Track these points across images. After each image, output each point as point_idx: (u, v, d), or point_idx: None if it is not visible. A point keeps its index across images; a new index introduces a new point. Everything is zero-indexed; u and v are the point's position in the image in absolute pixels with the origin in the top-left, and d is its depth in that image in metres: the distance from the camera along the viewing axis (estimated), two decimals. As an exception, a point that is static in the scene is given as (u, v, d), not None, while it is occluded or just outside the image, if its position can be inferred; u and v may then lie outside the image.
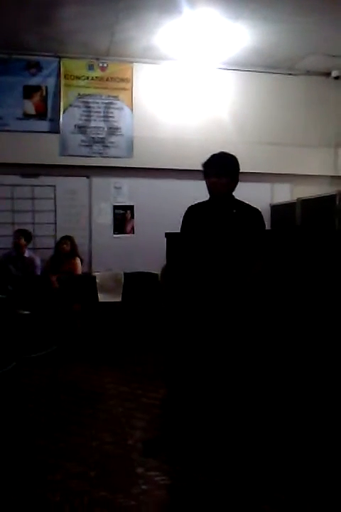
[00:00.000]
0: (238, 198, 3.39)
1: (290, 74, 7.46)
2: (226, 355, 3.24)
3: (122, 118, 7.06)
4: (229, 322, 3.21)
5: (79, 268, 6.62)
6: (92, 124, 6.98)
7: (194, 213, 3.46)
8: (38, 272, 6.49)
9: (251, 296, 3.25)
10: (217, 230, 3.31)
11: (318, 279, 3.70)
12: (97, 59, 6.94)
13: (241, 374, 3.33)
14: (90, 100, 6.98)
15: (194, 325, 3.35)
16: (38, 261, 6.53)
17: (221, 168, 3.29)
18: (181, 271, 3.47)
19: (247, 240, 3.25)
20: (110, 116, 7.02)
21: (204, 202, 3.43)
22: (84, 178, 7.04)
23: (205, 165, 3.35)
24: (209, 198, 3.39)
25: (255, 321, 3.42)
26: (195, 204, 3.47)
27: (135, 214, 7.18)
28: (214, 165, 3.31)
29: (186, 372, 3.39)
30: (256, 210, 3.37)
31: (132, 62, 7.02)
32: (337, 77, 7.52)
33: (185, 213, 3.48)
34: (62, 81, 6.88)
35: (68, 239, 6.61)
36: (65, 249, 6.56)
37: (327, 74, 7.55)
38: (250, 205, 3.39)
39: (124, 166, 7.01)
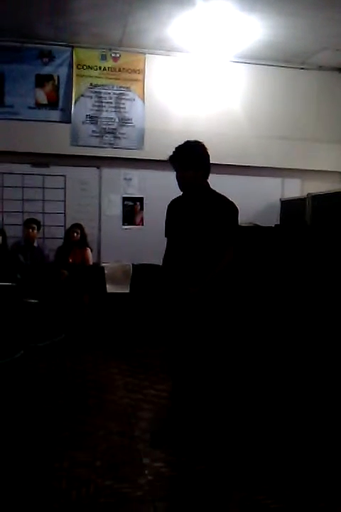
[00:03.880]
0: (215, 190, 3.38)
1: (302, 68, 7.40)
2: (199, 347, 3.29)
3: (134, 109, 7.05)
4: (199, 316, 3.25)
5: (91, 258, 6.61)
6: (104, 114, 6.98)
7: (172, 208, 3.49)
8: (47, 261, 6.51)
9: (221, 286, 3.26)
10: (184, 222, 3.33)
11: (327, 277, 3.68)
12: (110, 49, 6.92)
13: (232, 368, 3.37)
14: (102, 91, 6.97)
15: (173, 318, 3.42)
16: (47, 250, 6.56)
17: (183, 161, 3.26)
18: (165, 263, 3.52)
19: (215, 230, 3.23)
20: (121, 107, 7.01)
21: (182, 195, 3.43)
22: (95, 168, 7.04)
23: (170, 159, 3.33)
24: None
25: (249, 316, 3.47)
26: (174, 199, 3.49)
27: (144, 206, 7.18)
28: (177, 158, 3.29)
29: (181, 364, 3.44)
30: (226, 202, 3.33)
31: (145, 53, 7.00)
32: (349, 73, 7.48)
33: (167, 209, 3.52)
34: (75, 71, 6.88)
35: (78, 227, 6.58)
36: (75, 237, 6.54)
37: (340, 69, 7.50)
38: (222, 197, 3.35)
39: (135, 157, 7.01)
